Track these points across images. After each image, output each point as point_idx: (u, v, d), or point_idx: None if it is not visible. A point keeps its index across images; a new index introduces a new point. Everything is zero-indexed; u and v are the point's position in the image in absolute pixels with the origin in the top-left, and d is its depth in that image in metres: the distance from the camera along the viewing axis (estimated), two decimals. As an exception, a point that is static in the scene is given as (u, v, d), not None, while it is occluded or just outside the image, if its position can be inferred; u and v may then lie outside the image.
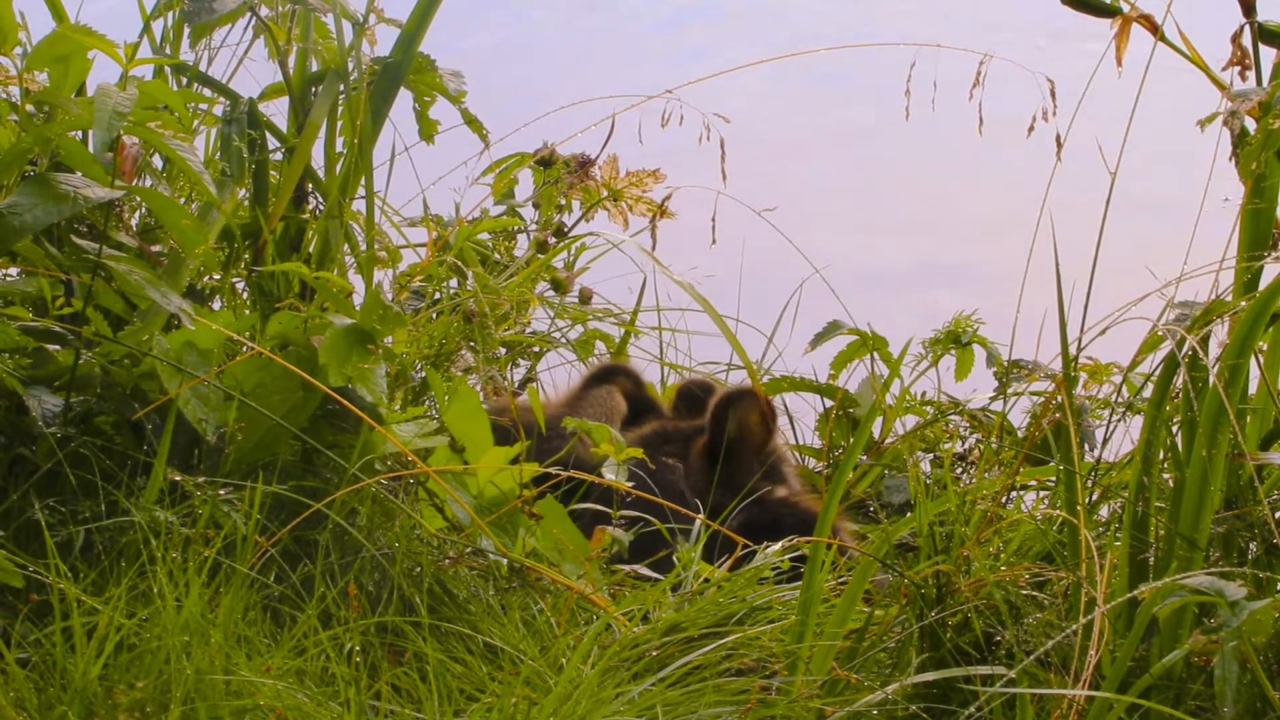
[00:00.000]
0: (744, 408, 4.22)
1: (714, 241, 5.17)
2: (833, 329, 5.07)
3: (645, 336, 5.36)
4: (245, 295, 4.45)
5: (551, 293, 5.21)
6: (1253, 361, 3.16)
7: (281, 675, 2.87)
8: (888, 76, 4.58)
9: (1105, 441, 3.54)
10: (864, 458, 4.76)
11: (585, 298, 5.27)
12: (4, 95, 3.75)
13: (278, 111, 4.60)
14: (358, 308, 3.73)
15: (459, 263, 4.85)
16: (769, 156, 6.60)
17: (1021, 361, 4.35)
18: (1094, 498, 3.35)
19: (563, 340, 5.15)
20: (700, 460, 4.22)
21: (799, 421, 5.14)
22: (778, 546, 3.41)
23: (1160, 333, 3.19)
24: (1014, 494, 3.84)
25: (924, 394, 4.99)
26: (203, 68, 4.60)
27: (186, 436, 3.46)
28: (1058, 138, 3.94)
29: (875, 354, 5.06)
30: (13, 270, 3.67)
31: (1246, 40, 3.55)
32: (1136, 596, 2.84)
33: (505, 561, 3.45)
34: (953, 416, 4.83)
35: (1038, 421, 3.64)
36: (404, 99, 4.63)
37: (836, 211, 6.61)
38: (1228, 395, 2.94)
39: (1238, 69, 3.54)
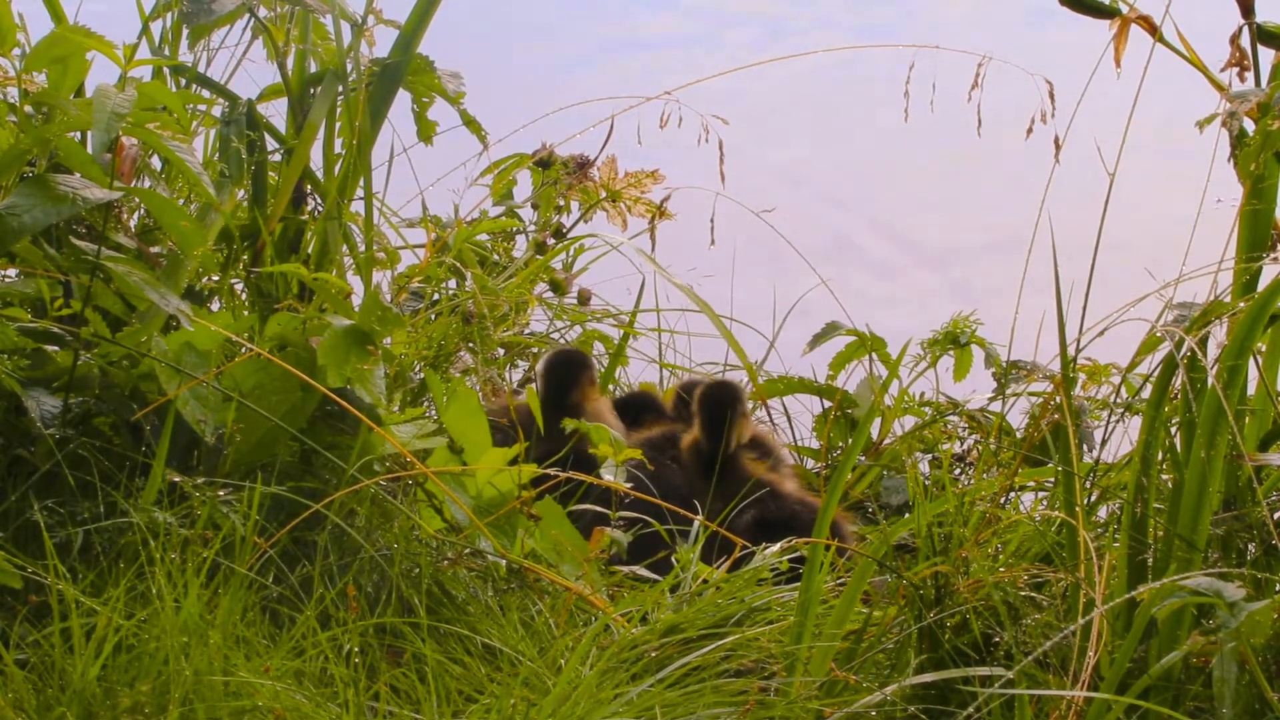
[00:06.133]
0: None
1: (712, 242, 5.18)
2: (831, 330, 5.08)
3: (644, 338, 5.37)
4: (244, 296, 4.46)
5: (550, 294, 5.21)
6: (1251, 362, 3.16)
7: (280, 676, 2.87)
8: (887, 78, 4.59)
9: (1104, 442, 3.54)
10: (862, 458, 4.76)
11: (584, 299, 5.27)
12: (3, 96, 3.75)
13: (276, 113, 4.61)
14: (356, 309, 3.73)
15: (458, 264, 4.85)
16: (768, 158, 6.60)
17: (1020, 362, 4.35)
18: (1092, 499, 3.35)
19: (561, 341, 5.15)
20: (692, 457, 4.21)
21: (797, 422, 5.15)
22: (776, 548, 3.41)
23: (1159, 334, 3.19)
24: (1012, 495, 3.84)
25: (922, 395, 5.00)
26: (201, 69, 4.61)
27: (185, 437, 3.46)
28: (1056, 139, 3.94)
29: (874, 355, 5.06)
30: (11, 271, 3.67)
31: (1245, 41, 3.55)
32: (1135, 597, 2.85)
33: (504, 562, 3.45)
34: (951, 417, 4.84)
35: (1036, 422, 3.64)
36: (403, 100, 4.64)
37: (835, 212, 6.62)
38: (1226, 396, 2.95)
39: (1236, 70, 3.54)
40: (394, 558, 3.35)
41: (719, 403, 4.16)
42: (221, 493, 3.22)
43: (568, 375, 4.37)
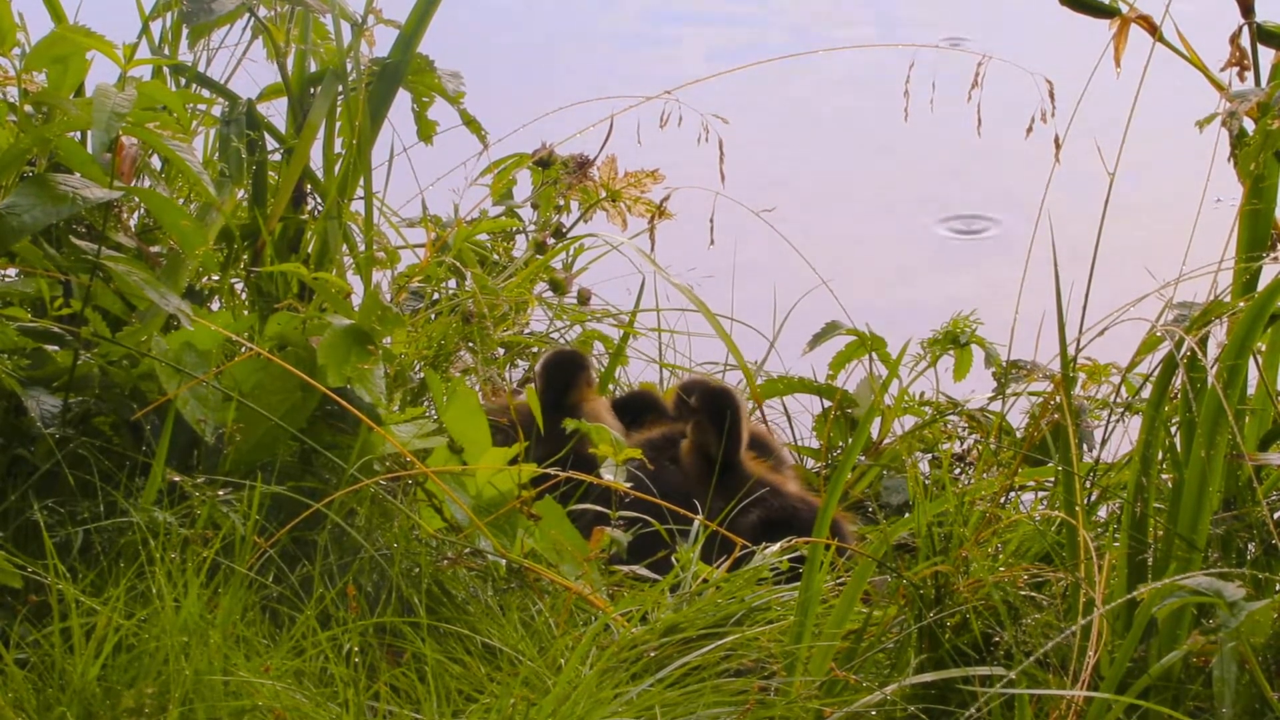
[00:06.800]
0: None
1: (712, 242, 5.17)
2: (831, 329, 5.07)
3: (644, 338, 5.36)
4: (244, 296, 4.46)
5: (550, 293, 5.21)
6: (1251, 362, 3.16)
7: (280, 676, 2.87)
8: (886, 77, 4.59)
9: (1104, 442, 3.54)
10: (862, 458, 4.76)
11: (584, 298, 5.26)
12: (3, 96, 3.75)
13: (276, 112, 4.61)
14: (356, 308, 3.73)
15: (458, 263, 4.85)
16: (768, 157, 6.60)
17: (1020, 362, 4.35)
18: (1092, 498, 3.35)
19: (561, 341, 5.15)
20: (693, 461, 4.20)
21: (797, 422, 5.14)
22: (776, 548, 3.41)
23: (1159, 333, 3.19)
24: (1012, 495, 3.84)
25: (922, 394, 4.99)
26: (201, 68, 4.61)
27: (185, 437, 3.46)
28: (1056, 139, 3.94)
29: (874, 354, 5.05)
30: (11, 271, 3.67)
31: (1245, 41, 3.55)
32: (1135, 597, 2.85)
33: (504, 562, 3.46)
34: (951, 417, 4.83)
35: (1036, 422, 3.64)
36: (403, 100, 4.63)
37: (835, 211, 6.62)
38: (1226, 396, 2.95)
39: (1236, 69, 3.54)
40: (394, 557, 3.35)
41: (720, 407, 4.16)
42: (221, 492, 3.22)
43: (565, 375, 4.38)
